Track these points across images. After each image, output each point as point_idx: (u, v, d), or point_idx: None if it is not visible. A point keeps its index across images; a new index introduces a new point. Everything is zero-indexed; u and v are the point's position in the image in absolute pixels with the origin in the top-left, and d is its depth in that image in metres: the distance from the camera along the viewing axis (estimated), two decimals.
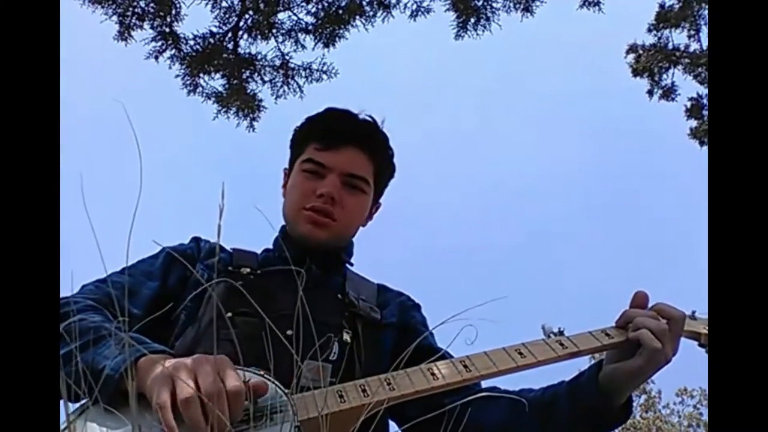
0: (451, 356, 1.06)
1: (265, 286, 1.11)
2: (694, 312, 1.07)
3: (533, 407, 1.01)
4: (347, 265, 1.27)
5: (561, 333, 1.00)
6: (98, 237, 0.67)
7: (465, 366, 0.94)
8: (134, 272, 1.11)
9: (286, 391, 0.81)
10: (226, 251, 1.21)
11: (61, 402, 0.67)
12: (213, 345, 0.76)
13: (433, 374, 0.92)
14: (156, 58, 4.58)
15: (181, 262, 1.14)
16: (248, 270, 1.15)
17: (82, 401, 0.81)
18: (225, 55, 4.67)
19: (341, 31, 4.62)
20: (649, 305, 1.02)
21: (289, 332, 0.82)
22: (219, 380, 0.76)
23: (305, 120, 1.31)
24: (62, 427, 0.73)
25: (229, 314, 1.03)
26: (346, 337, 1.08)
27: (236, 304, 1.03)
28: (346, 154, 1.22)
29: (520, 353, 0.96)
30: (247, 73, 4.76)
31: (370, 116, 1.29)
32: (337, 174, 1.20)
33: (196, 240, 1.24)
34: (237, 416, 0.77)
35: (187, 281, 1.14)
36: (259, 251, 1.26)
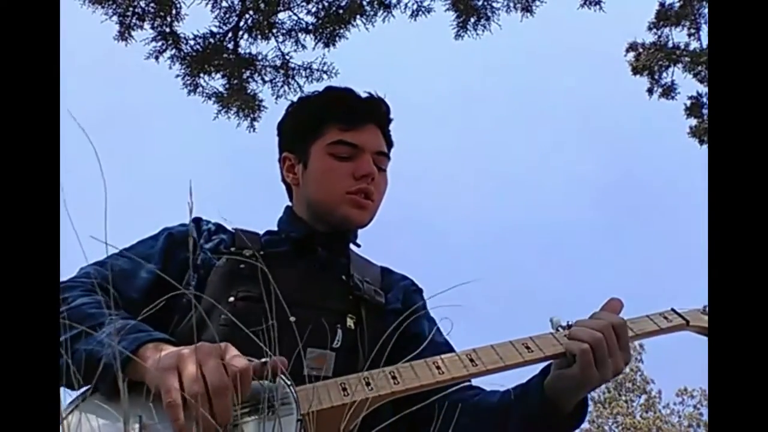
0: (449, 345, 1.04)
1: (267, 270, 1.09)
2: (705, 307, 1.04)
3: (491, 414, 0.99)
4: (352, 246, 1.23)
5: (569, 327, 0.97)
6: (94, 234, 0.66)
7: (471, 360, 0.93)
8: (133, 255, 1.07)
9: (290, 382, 0.80)
10: (227, 231, 1.18)
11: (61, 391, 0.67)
12: (214, 330, 0.74)
13: (438, 368, 0.91)
14: (156, 58, 4.57)
15: (182, 244, 1.11)
16: (251, 252, 1.10)
17: (82, 390, 0.80)
18: (225, 55, 4.67)
19: (341, 31, 4.62)
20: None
21: (291, 319, 0.80)
22: (224, 372, 0.75)
23: (308, 101, 1.27)
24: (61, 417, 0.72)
25: (231, 298, 1.01)
26: (350, 323, 1.05)
27: (237, 287, 1.02)
28: (370, 133, 1.20)
29: (528, 347, 0.94)
30: (248, 73, 4.75)
31: (369, 92, 1.25)
32: (370, 154, 1.18)
33: (197, 221, 1.20)
34: (246, 392, 0.76)
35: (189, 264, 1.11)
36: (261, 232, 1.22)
